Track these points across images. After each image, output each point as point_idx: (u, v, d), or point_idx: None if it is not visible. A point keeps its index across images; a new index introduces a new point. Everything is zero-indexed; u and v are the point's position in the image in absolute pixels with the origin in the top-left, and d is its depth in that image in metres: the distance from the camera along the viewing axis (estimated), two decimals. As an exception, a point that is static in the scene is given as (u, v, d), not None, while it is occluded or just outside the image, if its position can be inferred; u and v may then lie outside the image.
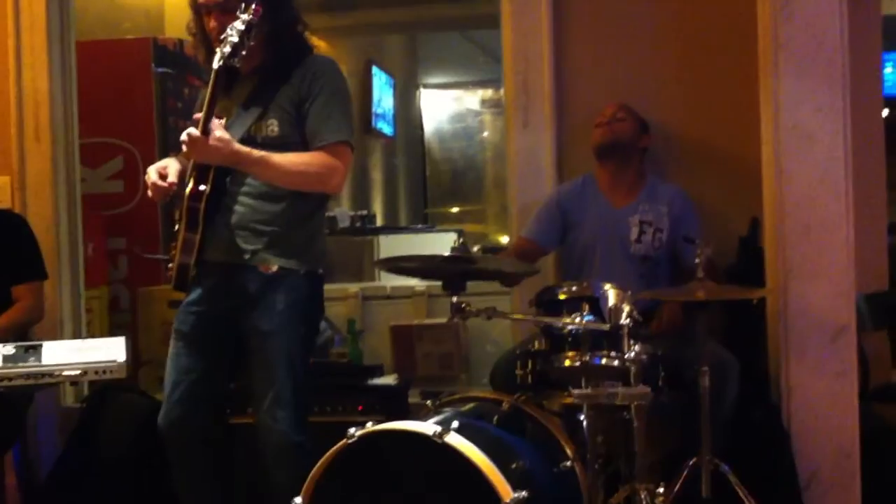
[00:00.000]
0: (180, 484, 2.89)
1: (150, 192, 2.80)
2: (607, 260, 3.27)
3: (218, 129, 2.62)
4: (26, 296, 3.50)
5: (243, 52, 2.61)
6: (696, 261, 2.72)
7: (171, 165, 2.81)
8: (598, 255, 3.30)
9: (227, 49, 2.60)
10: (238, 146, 2.67)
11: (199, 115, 2.67)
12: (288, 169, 2.72)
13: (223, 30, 2.73)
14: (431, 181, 9.82)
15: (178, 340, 2.86)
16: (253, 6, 2.62)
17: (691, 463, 2.74)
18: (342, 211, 6.15)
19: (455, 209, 9.59)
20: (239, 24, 2.61)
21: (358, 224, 6.02)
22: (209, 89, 2.64)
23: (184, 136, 2.64)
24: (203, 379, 2.84)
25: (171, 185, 2.75)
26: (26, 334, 3.54)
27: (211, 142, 2.61)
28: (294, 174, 2.73)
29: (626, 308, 2.53)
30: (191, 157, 2.69)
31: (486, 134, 9.80)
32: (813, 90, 3.08)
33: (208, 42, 2.82)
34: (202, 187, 2.71)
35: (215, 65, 2.63)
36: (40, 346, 2.82)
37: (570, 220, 3.38)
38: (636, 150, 3.38)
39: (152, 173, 2.77)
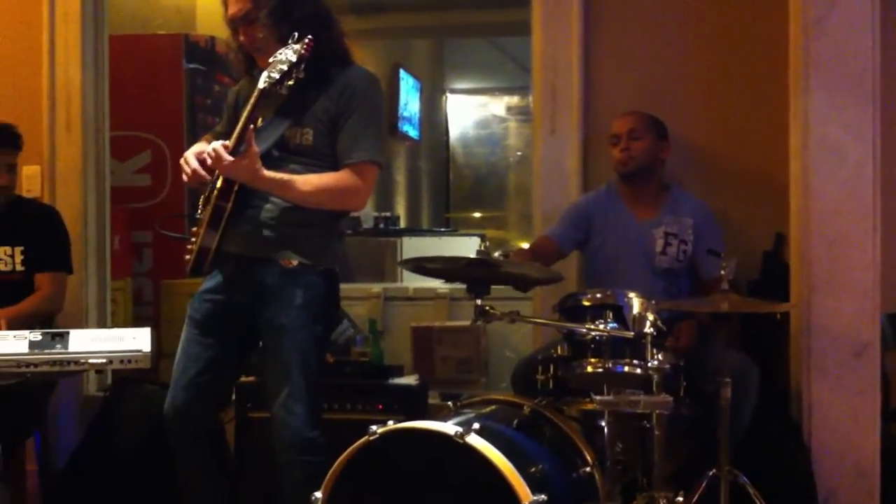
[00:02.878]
0: (183, 473, 2.90)
1: (185, 178, 2.77)
2: (631, 272, 3.26)
3: (246, 154, 2.63)
4: (47, 284, 3.54)
5: (290, 83, 2.63)
6: (721, 273, 2.72)
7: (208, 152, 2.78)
8: (622, 267, 3.29)
9: (275, 76, 2.62)
10: (263, 172, 2.67)
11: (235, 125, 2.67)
12: (311, 192, 2.74)
13: (253, 41, 2.80)
14: (454, 186, 9.84)
15: (190, 327, 2.88)
16: (306, 40, 2.63)
17: (711, 473, 2.74)
18: (366, 212, 6.17)
19: (477, 214, 9.60)
20: (290, 54, 2.62)
21: (381, 225, 6.05)
22: (249, 107, 2.66)
23: (210, 151, 2.66)
24: (212, 367, 2.85)
25: (209, 173, 2.75)
26: (51, 323, 3.58)
27: (237, 164, 2.63)
28: (316, 196, 2.75)
29: (650, 317, 2.54)
30: (215, 172, 2.71)
31: (510, 141, 9.80)
32: (843, 106, 3.08)
33: (246, 52, 2.87)
34: (231, 186, 2.73)
35: (261, 85, 2.65)
36: (67, 333, 2.83)
37: (593, 227, 3.38)
38: (657, 164, 3.37)
39: (192, 160, 2.75)
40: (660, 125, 3.38)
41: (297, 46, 2.63)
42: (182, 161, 2.78)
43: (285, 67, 2.62)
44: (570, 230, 3.39)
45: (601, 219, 3.37)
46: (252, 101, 2.66)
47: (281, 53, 2.65)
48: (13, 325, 3.23)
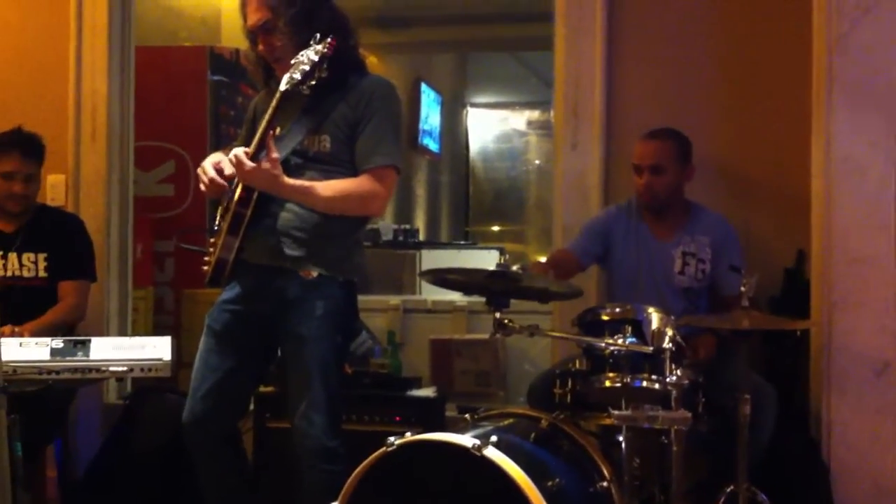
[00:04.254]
0: (204, 481, 2.90)
1: (203, 188, 2.80)
2: (650, 290, 3.24)
3: (267, 160, 2.64)
4: (70, 294, 3.56)
5: (312, 82, 2.63)
6: (742, 289, 2.71)
7: (225, 161, 2.80)
8: (642, 284, 3.28)
9: (297, 76, 2.62)
10: (284, 179, 2.68)
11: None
12: (331, 197, 2.74)
13: (273, 50, 2.80)
14: (474, 199, 9.84)
15: (209, 337, 2.88)
16: (328, 40, 2.64)
17: (729, 490, 2.73)
18: (386, 224, 6.20)
19: (496, 228, 9.61)
20: (312, 55, 2.63)
21: (401, 238, 6.07)
22: (270, 111, 2.66)
23: (232, 157, 2.67)
24: (230, 378, 2.85)
25: (226, 182, 2.77)
26: (73, 330, 3.60)
27: (259, 170, 2.64)
28: (336, 201, 2.76)
29: (669, 332, 2.53)
30: (233, 181, 2.72)
31: (530, 155, 9.81)
32: (866, 124, 3.07)
33: (265, 64, 2.88)
34: (250, 194, 2.73)
35: (282, 87, 2.65)
36: (88, 341, 2.86)
37: (613, 242, 3.36)
38: (679, 191, 3.33)
39: (210, 169, 2.77)
40: (684, 148, 3.32)
41: (319, 46, 2.63)
42: (199, 171, 2.80)
43: (307, 67, 2.62)
44: (590, 244, 3.38)
45: (621, 235, 3.36)
46: (273, 103, 2.66)
47: (302, 55, 2.65)
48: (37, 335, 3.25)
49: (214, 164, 2.78)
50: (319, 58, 2.62)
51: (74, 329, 3.62)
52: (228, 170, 2.76)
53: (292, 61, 2.66)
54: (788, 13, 3.50)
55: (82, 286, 3.61)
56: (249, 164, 2.64)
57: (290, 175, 2.72)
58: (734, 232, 3.34)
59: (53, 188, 4.02)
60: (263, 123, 2.67)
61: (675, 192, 3.31)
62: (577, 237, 3.43)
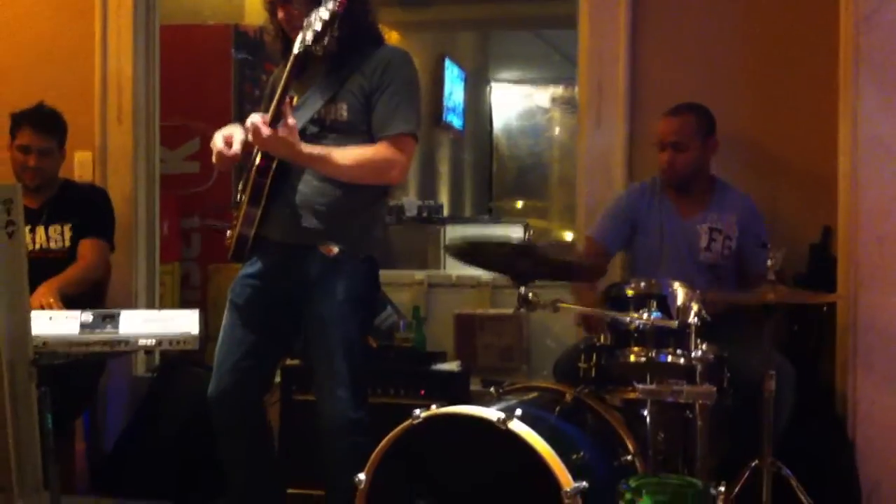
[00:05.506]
0: (226, 454, 2.92)
1: (213, 159, 2.81)
2: (675, 266, 3.23)
3: (284, 127, 2.63)
4: (88, 251, 3.58)
5: (325, 41, 2.61)
6: (769, 263, 2.71)
7: (237, 134, 2.79)
8: (667, 261, 3.27)
9: (309, 36, 2.60)
10: (301, 145, 2.67)
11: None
12: (349, 165, 2.73)
13: (291, 19, 2.78)
14: (497, 175, 9.83)
15: (232, 312, 2.89)
16: None
17: (753, 465, 2.74)
18: (410, 200, 6.21)
19: (519, 204, 9.60)
20: (323, 13, 2.60)
21: (425, 214, 6.08)
22: (284, 76, 2.65)
23: (248, 124, 2.67)
24: (254, 352, 2.85)
25: (234, 155, 2.76)
26: (103, 301, 3.64)
27: (276, 137, 2.63)
28: (355, 169, 2.74)
29: (695, 307, 2.53)
30: (254, 145, 2.72)
31: (554, 131, 9.78)
32: (893, 101, 3.05)
33: (284, 35, 2.86)
34: (269, 163, 2.73)
35: (295, 50, 2.63)
36: (117, 314, 2.88)
37: (637, 223, 3.35)
38: (703, 166, 3.32)
39: (218, 140, 2.78)
40: (706, 121, 3.31)
41: (330, 4, 2.60)
42: (211, 144, 2.80)
43: (318, 27, 2.59)
44: (616, 229, 3.36)
45: (645, 214, 3.35)
46: (288, 67, 2.65)
47: (313, 15, 2.61)
48: (62, 292, 3.29)
49: (225, 136, 2.78)
50: (330, 16, 2.58)
51: (103, 298, 3.65)
52: (238, 140, 2.75)
53: (304, 23, 2.63)
54: (816, -11, 3.47)
55: (100, 244, 3.62)
56: (266, 130, 2.63)
57: (306, 143, 2.71)
58: (759, 210, 3.33)
59: (81, 165, 4.06)
60: (279, 89, 2.65)
61: (699, 167, 3.30)
62: (600, 223, 3.41)
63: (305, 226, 2.77)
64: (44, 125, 3.60)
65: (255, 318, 2.86)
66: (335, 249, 2.76)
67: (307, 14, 2.69)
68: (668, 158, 3.28)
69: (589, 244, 3.42)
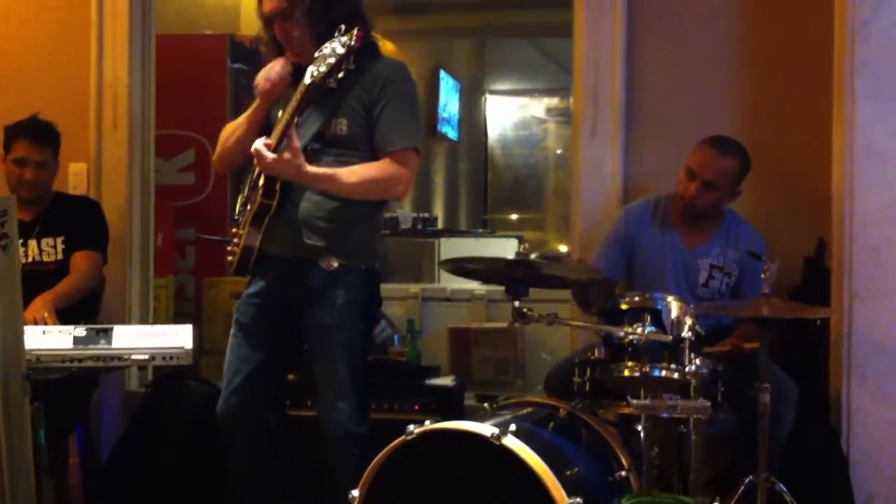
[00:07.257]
0: (233, 469, 2.94)
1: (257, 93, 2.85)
2: (674, 290, 3.09)
3: (289, 150, 2.64)
4: (81, 263, 3.56)
5: (340, 75, 2.58)
6: (763, 276, 2.70)
7: (274, 68, 2.83)
8: (665, 286, 3.14)
9: (323, 69, 2.57)
10: (307, 167, 2.68)
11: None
12: (355, 183, 2.74)
13: (287, 38, 2.79)
14: (492, 187, 9.83)
15: (238, 330, 2.92)
16: (355, 31, 2.57)
17: (748, 480, 2.73)
18: (404, 212, 6.20)
19: (514, 216, 9.59)
20: (339, 48, 2.56)
21: (419, 226, 6.07)
22: (294, 104, 2.63)
23: (253, 150, 2.67)
24: (262, 368, 2.88)
25: (274, 84, 2.81)
26: (96, 316, 3.63)
27: (281, 160, 2.64)
28: (361, 186, 2.76)
29: (689, 321, 2.53)
30: (259, 170, 2.73)
31: (549, 142, 9.78)
32: (888, 112, 3.06)
33: (279, 48, 2.87)
34: (274, 183, 2.74)
35: (307, 80, 2.60)
36: (110, 329, 2.87)
37: (636, 245, 3.25)
38: (721, 206, 3.22)
39: (260, 81, 2.83)
40: (746, 170, 3.18)
41: (345, 38, 2.57)
42: (255, 83, 2.85)
43: (333, 61, 2.57)
44: (616, 259, 3.26)
45: (646, 237, 3.25)
46: (298, 96, 2.64)
47: (327, 47, 2.59)
48: (56, 305, 3.27)
49: (267, 75, 2.84)
50: (346, 51, 2.56)
51: (96, 313, 3.64)
52: (276, 71, 2.81)
53: (316, 54, 2.61)
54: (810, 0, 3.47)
55: (93, 256, 3.60)
56: (270, 155, 2.65)
57: (307, 160, 2.71)
58: (764, 246, 3.20)
59: (75, 176, 4.04)
60: (287, 114, 2.65)
61: (718, 207, 3.22)
62: (601, 252, 3.30)
63: (305, 240, 2.79)
64: (40, 137, 3.59)
65: (260, 335, 2.89)
66: (335, 264, 2.78)
67: (307, 35, 2.73)
68: (694, 192, 3.13)
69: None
